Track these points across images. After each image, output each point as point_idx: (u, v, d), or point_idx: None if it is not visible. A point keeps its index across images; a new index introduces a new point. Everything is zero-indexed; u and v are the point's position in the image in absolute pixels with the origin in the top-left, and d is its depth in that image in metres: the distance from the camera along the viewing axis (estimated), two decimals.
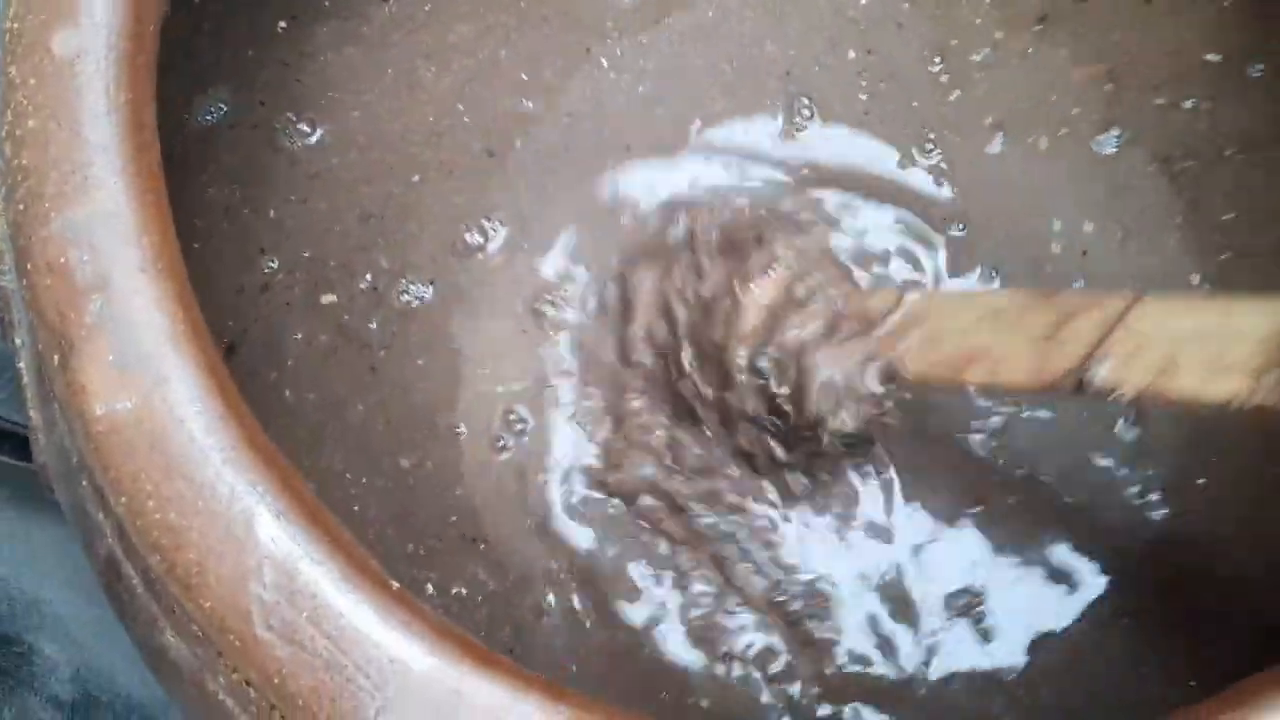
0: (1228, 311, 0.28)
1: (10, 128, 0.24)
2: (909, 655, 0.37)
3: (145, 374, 0.23)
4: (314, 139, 0.40)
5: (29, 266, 0.24)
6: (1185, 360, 0.27)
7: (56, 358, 0.23)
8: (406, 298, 0.40)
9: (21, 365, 0.30)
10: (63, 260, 0.23)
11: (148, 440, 0.23)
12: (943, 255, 0.41)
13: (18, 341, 0.31)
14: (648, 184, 0.41)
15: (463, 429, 0.39)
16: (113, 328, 0.23)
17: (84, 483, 0.28)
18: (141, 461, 0.23)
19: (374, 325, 0.39)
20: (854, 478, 0.39)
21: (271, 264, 0.39)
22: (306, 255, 0.40)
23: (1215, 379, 0.27)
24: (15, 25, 0.24)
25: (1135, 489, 0.38)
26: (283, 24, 0.40)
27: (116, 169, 0.24)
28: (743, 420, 0.38)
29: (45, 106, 0.24)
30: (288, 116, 0.40)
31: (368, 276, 0.40)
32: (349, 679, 0.22)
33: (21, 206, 0.24)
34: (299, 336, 0.39)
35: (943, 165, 0.41)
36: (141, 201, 0.24)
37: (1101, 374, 0.29)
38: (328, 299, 0.40)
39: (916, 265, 0.41)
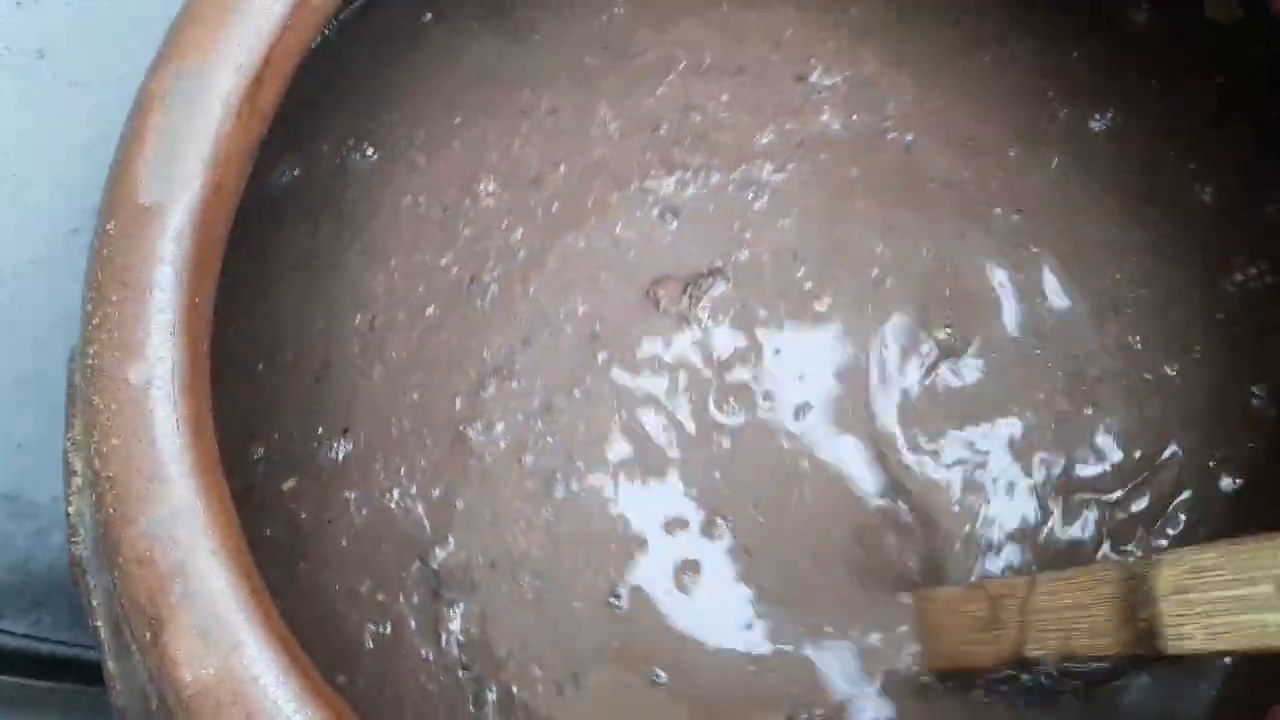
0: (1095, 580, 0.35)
1: (98, 445, 0.30)
2: None
3: (223, 641, 0.28)
4: None
5: (120, 559, 0.29)
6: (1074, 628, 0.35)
7: (148, 634, 0.28)
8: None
9: (99, 623, 0.35)
10: (148, 553, 0.29)
11: (230, 696, 0.28)
12: None
13: (94, 602, 0.36)
14: None
15: None
16: (193, 605, 0.28)
17: None
18: (225, 715, 0.28)
19: None
20: None
21: None
22: None
23: (1094, 640, 0.34)
24: (93, 361, 0.30)
25: None
26: None
27: (186, 473, 0.29)
28: None
29: (125, 426, 0.29)
30: None
31: None
32: None
33: (111, 510, 0.29)
34: None
35: None
36: (209, 497, 0.29)
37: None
38: None
39: None
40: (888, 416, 0.44)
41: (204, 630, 0.28)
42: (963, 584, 0.42)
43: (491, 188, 0.46)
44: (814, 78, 0.48)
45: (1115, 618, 0.33)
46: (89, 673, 0.52)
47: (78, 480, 0.36)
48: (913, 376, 0.45)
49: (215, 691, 0.28)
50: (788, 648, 0.42)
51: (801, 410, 0.44)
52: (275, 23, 0.33)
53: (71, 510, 0.37)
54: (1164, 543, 0.43)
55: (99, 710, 0.54)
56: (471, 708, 0.41)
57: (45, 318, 0.49)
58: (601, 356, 0.45)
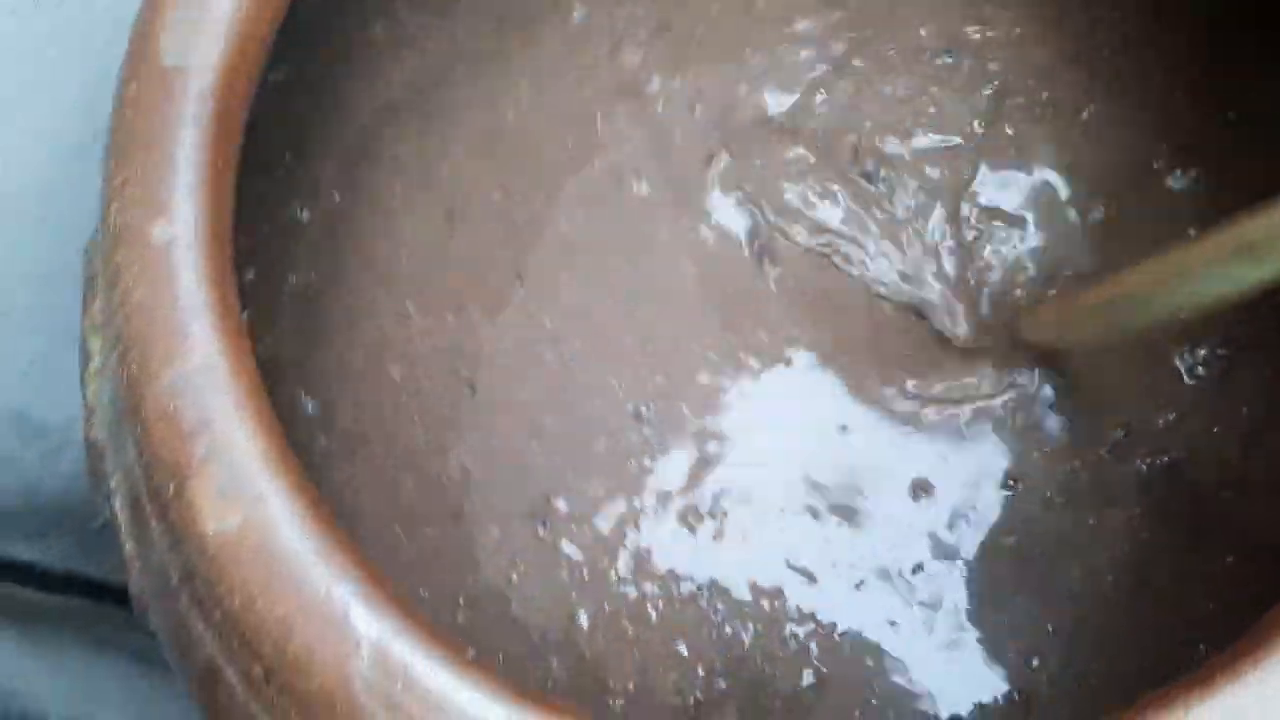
0: None
1: (121, 303, 0.29)
2: None
3: (246, 495, 0.28)
4: None
5: (143, 416, 0.28)
6: None
7: (171, 488, 0.28)
8: None
9: (117, 506, 0.35)
10: (172, 408, 0.28)
11: (252, 550, 0.27)
12: None
13: (112, 484, 0.35)
14: None
15: None
16: (217, 459, 0.28)
17: (184, 599, 0.32)
18: (248, 569, 0.27)
19: None
20: None
21: None
22: None
23: None
24: (117, 220, 0.30)
25: None
26: None
27: (209, 329, 0.29)
28: None
29: (148, 284, 0.29)
30: None
31: None
32: None
33: (135, 367, 0.29)
34: None
35: None
36: (231, 354, 0.29)
37: None
38: None
39: None
40: None
41: (227, 484, 0.28)
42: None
43: None
44: None
45: None
46: (95, 591, 0.51)
47: (95, 363, 0.36)
48: None
49: (238, 544, 0.27)
50: None
51: None
52: None
53: (89, 392, 0.36)
54: None
55: (108, 633, 0.53)
56: None
57: (56, 232, 0.48)
58: None
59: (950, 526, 0.43)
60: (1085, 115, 0.46)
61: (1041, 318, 0.44)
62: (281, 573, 0.27)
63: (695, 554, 0.43)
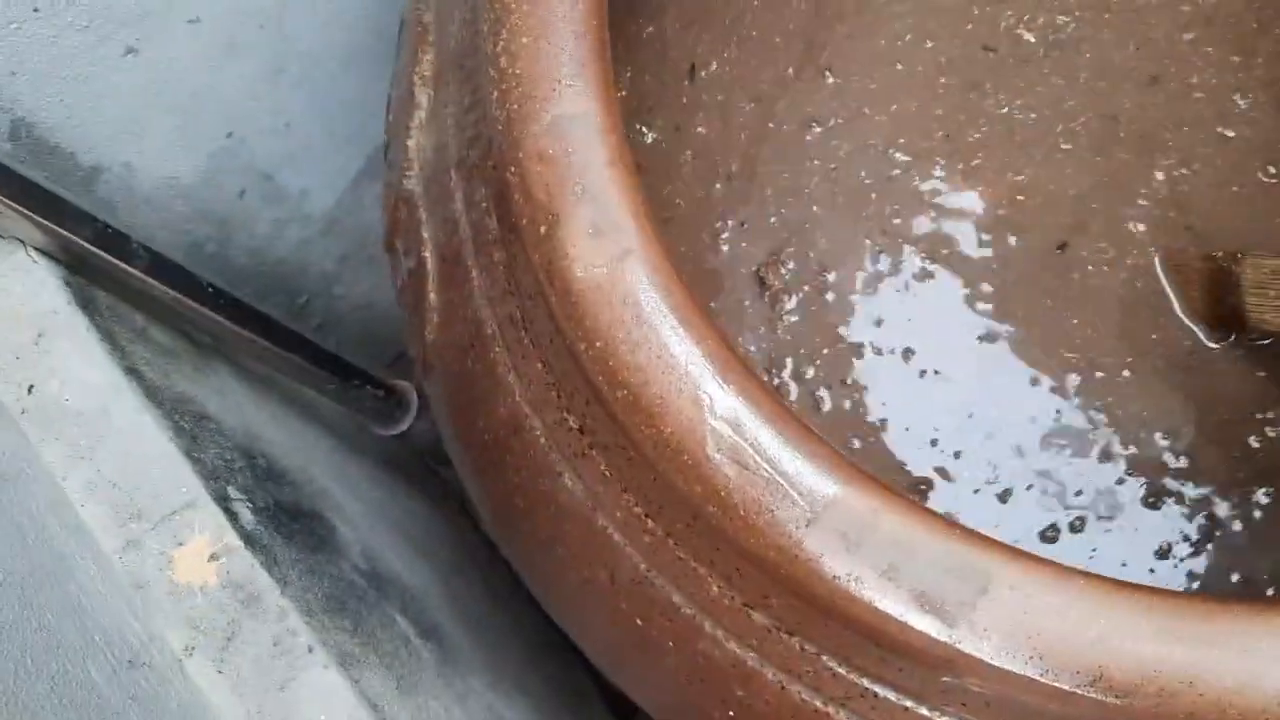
0: None
1: (507, 43, 0.29)
2: None
3: (615, 244, 0.28)
4: None
5: (520, 155, 0.29)
6: None
7: (544, 228, 0.28)
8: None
9: (426, 255, 0.36)
10: (551, 151, 0.29)
11: (619, 297, 0.28)
12: None
13: (424, 234, 0.36)
14: None
15: None
16: (590, 206, 0.28)
17: (497, 347, 0.33)
18: (614, 314, 0.28)
19: None
20: None
21: None
22: None
23: None
24: None
25: None
26: None
27: (589, 79, 0.29)
28: None
29: (536, 28, 0.29)
30: None
31: None
32: (784, 495, 0.27)
33: (516, 106, 0.29)
34: None
35: None
36: (608, 108, 0.29)
37: None
38: None
39: None
40: None
41: (598, 232, 0.28)
42: None
43: None
44: None
45: None
46: (317, 356, 0.53)
47: (421, 114, 0.37)
48: None
49: (605, 290, 0.28)
50: None
51: None
52: None
53: (411, 143, 0.37)
54: None
55: (318, 401, 0.55)
56: None
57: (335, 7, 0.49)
58: None
59: None
60: None
61: None
62: (645, 323, 0.28)
63: None
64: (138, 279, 0.42)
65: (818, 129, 0.48)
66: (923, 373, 0.45)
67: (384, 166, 0.39)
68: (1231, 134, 0.46)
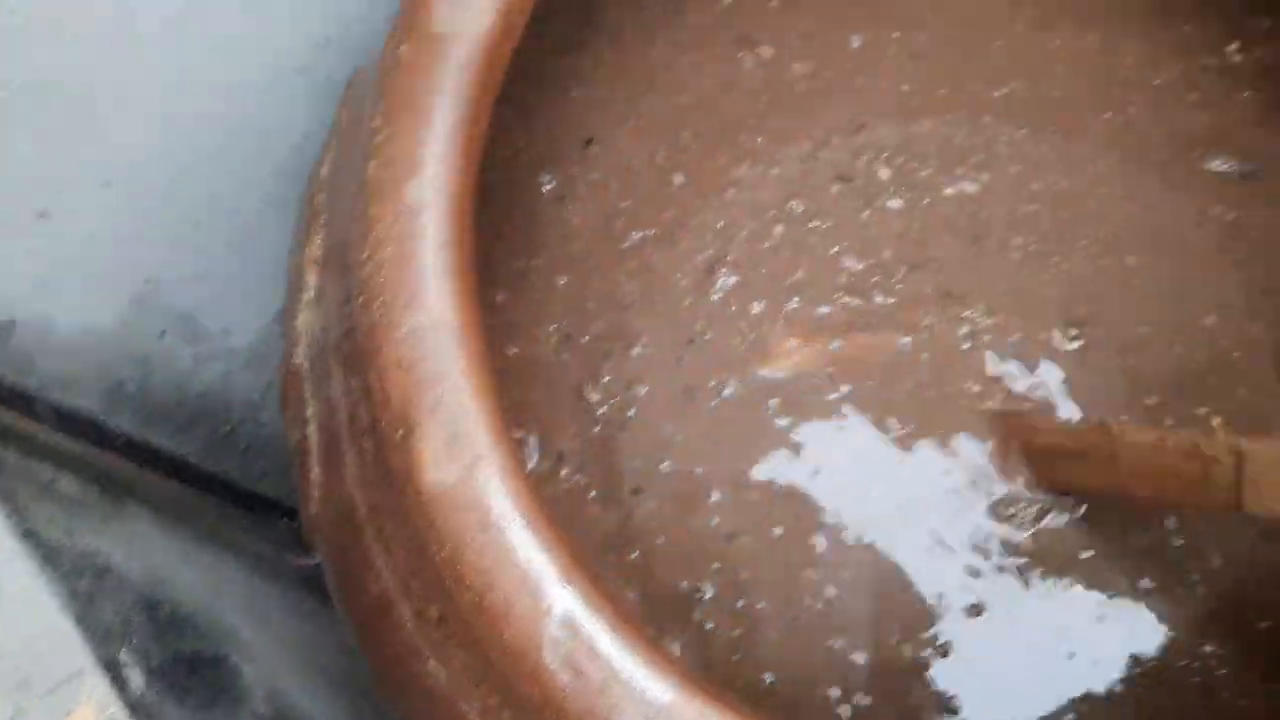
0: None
1: (372, 251, 0.31)
2: None
3: (467, 451, 0.29)
4: None
5: (379, 362, 0.30)
6: None
7: (400, 433, 0.30)
8: None
9: (310, 432, 0.37)
10: (409, 359, 0.30)
11: (467, 504, 0.29)
12: None
13: (308, 411, 0.37)
14: None
15: None
16: (444, 414, 0.30)
17: (369, 533, 0.34)
18: (461, 519, 0.29)
19: None
20: None
21: None
22: None
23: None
24: (376, 175, 0.32)
25: None
26: None
27: (448, 289, 0.31)
28: None
29: (398, 239, 0.31)
30: None
31: None
32: (619, 702, 0.28)
33: (379, 313, 0.31)
34: None
35: None
36: (467, 316, 0.31)
37: None
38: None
39: None
40: None
41: (451, 440, 0.30)
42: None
43: None
44: None
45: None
46: (233, 496, 0.54)
47: (308, 294, 0.38)
48: None
49: (453, 497, 0.29)
50: None
51: None
52: None
53: (298, 322, 0.38)
54: None
55: (237, 536, 0.56)
56: None
57: (257, 150, 0.50)
58: None
59: None
60: None
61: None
62: (491, 529, 0.29)
63: None
64: (44, 434, 0.43)
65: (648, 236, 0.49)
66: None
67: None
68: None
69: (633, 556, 0.44)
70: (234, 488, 0.53)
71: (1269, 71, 0.46)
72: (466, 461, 0.29)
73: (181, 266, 0.52)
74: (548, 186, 0.49)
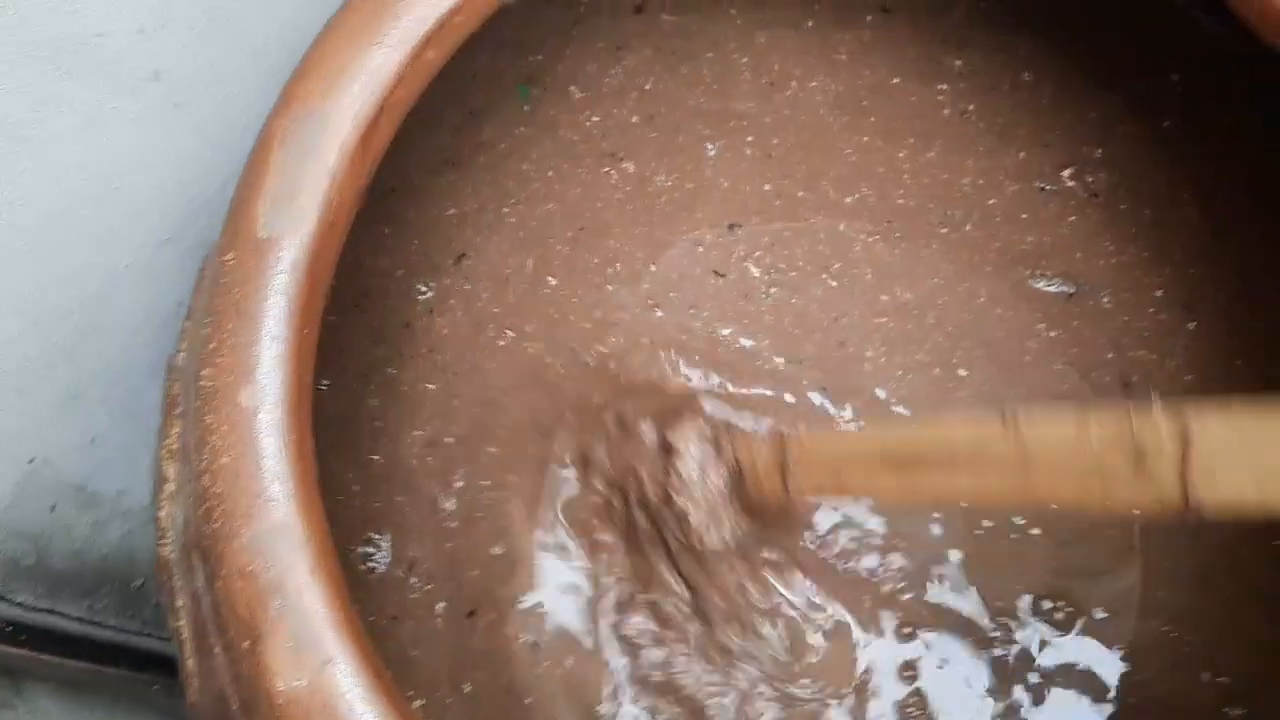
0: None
1: (208, 462, 0.32)
2: None
3: (316, 655, 0.30)
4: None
5: (223, 571, 0.31)
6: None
7: (247, 643, 0.30)
8: None
9: (182, 624, 0.37)
10: (250, 567, 0.31)
11: (319, 709, 0.30)
12: None
13: (179, 603, 0.38)
14: None
15: None
16: (290, 620, 0.30)
17: None
18: None
19: None
20: None
21: None
22: None
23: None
24: (209, 384, 0.32)
25: None
26: None
27: (288, 494, 0.31)
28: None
29: (235, 446, 0.32)
30: None
31: None
32: None
33: (218, 524, 0.31)
34: None
35: None
36: (307, 517, 0.31)
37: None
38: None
39: None
40: None
41: (298, 645, 0.30)
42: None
43: None
44: None
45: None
46: (145, 660, 0.54)
47: (170, 487, 0.39)
48: None
49: (305, 703, 0.30)
50: None
51: None
52: (391, 75, 0.35)
53: (162, 515, 0.39)
54: None
55: (152, 698, 0.56)
56: None
57: (132, 321, 0.51)
58: None
59: None
60: None
61: None
62: None
63: None
64: None
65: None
66: None
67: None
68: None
69: (466, 690, 0.45)
70: (136, 652, 0.53)
71: (1098, 196, 0.47)
72: (316, 665, 0.30)
73: (67, 439, 0.52)
74: (424, 296, 0.50)
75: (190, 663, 0.38)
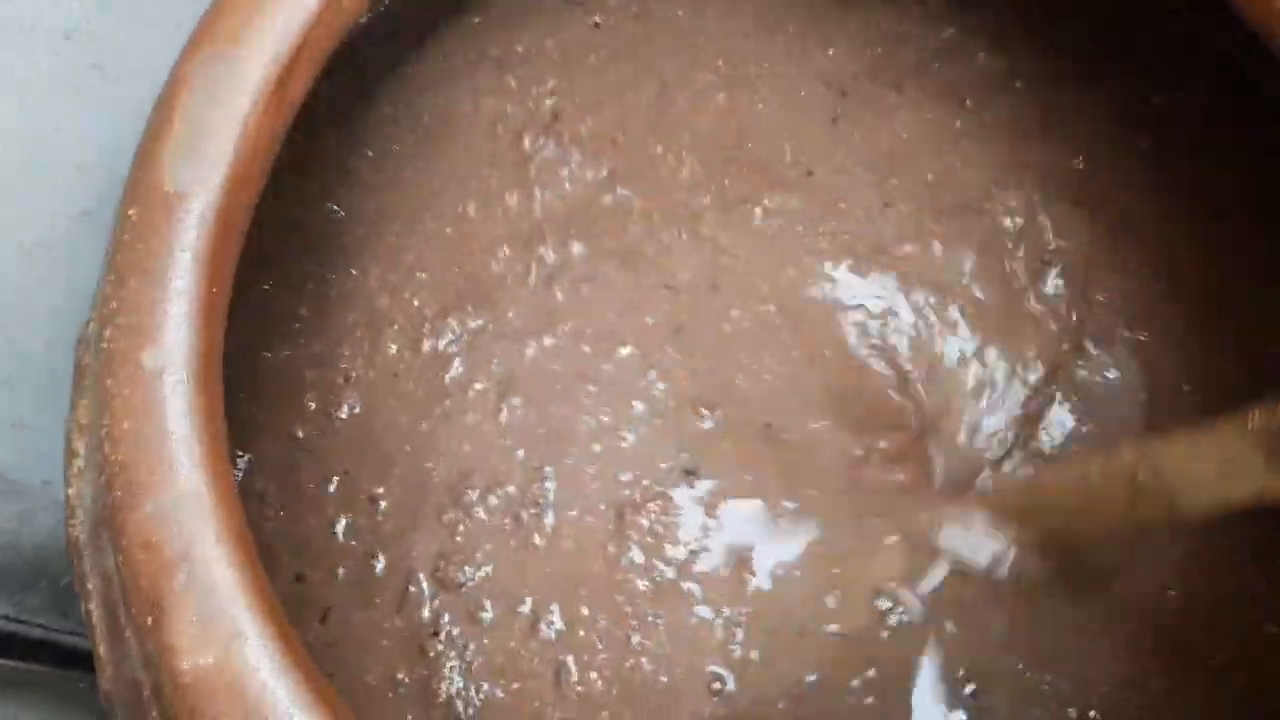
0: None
1: (109, 429, 0.30)
2: None
3: (224, 629, 0.28)
4: None
5: (124, 543, 0.29)
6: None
7: (149, 620, 0.28)
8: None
9: (92, 608, 0.35)
10: (153, 538, 0.29)
11: (227, 688, 0.28)
12: None
13: (89, 586, 0.36)
14: None
15: None
16: (195, 593, 0.28)
17: (155, 713, 0.32)
18: (222, 706, 0.28)
19: None
20: None
21: None
22: None
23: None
24: (108, 345, 0.30)
25: None
26: None
27: (195, 459, 0.29)
28: None
29: (138, 410, 0.30)
30: None
31: None
32: None
33: (119, 493, 0.29)
34: None
35: None
36: (215, 485, 0.29)
37: None
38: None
39: None
40: None
41: (205, 619, 0.28)
42: None
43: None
44: None
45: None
46: (74, 658, 0.52)
47: (79, 462, 0.36)
48: None
49: (212, 681, 0.28)
50: None
51: None
52: (308, 13, 0.33)
53: (71, 492, 0.36)
54: None
55: (83, 696, 0.53)
56: None
57: (51, 299, 0.49)
58: None
59: None
60: None
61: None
62: (254, 713, 0.27)
63: None
64: None
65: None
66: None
67: None
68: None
69: None
70: (59, 649, 0.51)
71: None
72: (224, 639, 0.28)
73: None
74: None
75: (102, 648, 0.36)
